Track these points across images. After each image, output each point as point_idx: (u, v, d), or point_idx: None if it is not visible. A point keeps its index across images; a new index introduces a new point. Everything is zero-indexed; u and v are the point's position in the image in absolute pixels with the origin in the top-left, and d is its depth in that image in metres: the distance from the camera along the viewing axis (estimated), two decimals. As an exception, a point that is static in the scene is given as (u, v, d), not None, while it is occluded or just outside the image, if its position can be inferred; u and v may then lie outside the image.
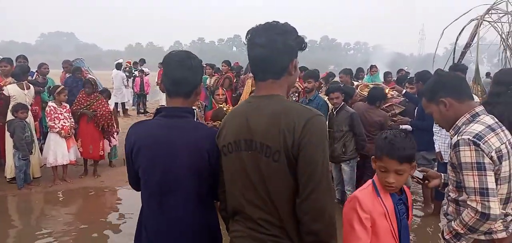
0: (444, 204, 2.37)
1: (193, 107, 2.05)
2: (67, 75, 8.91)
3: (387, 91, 6.11)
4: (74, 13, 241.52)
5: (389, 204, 2.03)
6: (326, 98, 5.82)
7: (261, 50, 1.64)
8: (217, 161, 1.80)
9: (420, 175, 2.41)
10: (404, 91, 6.10)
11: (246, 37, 1.70)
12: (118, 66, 14.17)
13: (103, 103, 6.88)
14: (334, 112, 5.43)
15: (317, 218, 1.55)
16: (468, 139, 1.97)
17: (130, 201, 5.96)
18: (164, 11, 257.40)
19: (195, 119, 2.03)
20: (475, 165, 1.96)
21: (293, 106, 1.65)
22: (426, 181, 2.36)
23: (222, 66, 9.78)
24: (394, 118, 5.95)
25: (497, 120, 2.11)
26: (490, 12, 6.20)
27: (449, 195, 2.21)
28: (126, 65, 15.23)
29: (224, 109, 5.00)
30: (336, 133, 5.35)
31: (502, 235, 2.07)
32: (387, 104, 6.00)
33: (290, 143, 1.55)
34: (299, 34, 1.70)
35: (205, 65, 10.20)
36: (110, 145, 7.21)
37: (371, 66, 10.50)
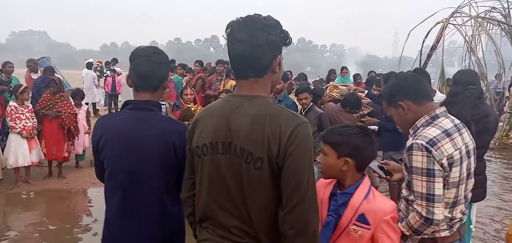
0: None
1: (163, 102, 2.08)
2: (32, 74, 8.63)
3: (351, 91, 6.20)
4: (47, 12, 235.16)
5: (327, 191, 1.98)
6: (295, 99, 5.85)
7: (241, 45, 1.50)
8: (185, 157, 1.76)
9: (376, 169, 2.37)
10: (366, 91, 6.20)
11: (225, 31, 1.56)
12: (89, 66, 13.85)
13: (68, 104, 6.68)
14: (303, 113, 5.46)
15: (302, 233, 1.46)
16: (422, 144, 1.97)
17: (95, 203, 5.83)
18: (140, 10, 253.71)
19: (163, 113, 2.03)
20: (425, 171, 1.96)
21: (279, 110, 1.52)
22: (388, 176, 2.33)
23: (195, 66, 9.67)
24: (362, 119, 6.04)
25: (457, 123, 2.12)
26: (454, 15, 6.36)
27: (401, 192, 2.23)
28: (97, 64, 14.91)
29: (192, 109, 4.94)
30: (305, 133, 5.36)
31: (445, 233, 2.11)
32: (355, 105, 6.08)
33: (275, 151, 1.44)
34: (283, 28, 1.56)
35: (177, 66, 10.08)
36: (73, 147, 6.99)
37: (342, 68, 10.70)
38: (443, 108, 2.14)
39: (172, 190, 1.92)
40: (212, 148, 1.56)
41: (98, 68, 14.60)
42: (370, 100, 6.21)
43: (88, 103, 12.35)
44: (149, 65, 1.89)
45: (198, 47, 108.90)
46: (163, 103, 2.11)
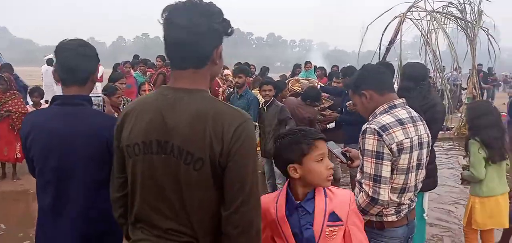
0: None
1: (101, 95, 2.08)
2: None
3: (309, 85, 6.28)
4: (8, 7, 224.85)
5: (280, 209, 1.83)
6: (257, 92, 5.85)
7: (181, 32, 1.38)
8: None
9: (339, 154, 2.46)
10: (320, 85, 6.31)
11: (162, 15, 1.42)
12: (49, 62, 13.30)
13: (19, 103, 6.37)
14: (265, 107, 5.46)
15: (246, 231, 1.42)
16: (374, 128, 2.09)
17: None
18: (106, 5, 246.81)
19: (97, 108, 1.98)
20: (375, 153, 2.09)
21: (221, 107, 1.44)
22: (349, 161, 2.46)
23: (157, 61, 9.47)
24: (323, 112, 6.09)
25: (414, 115, 2.24)
26: (411, 10, 6.53)
27: (356, 175, 2.34)
28: (58, 60, 14.36)
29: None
30: (267, 127, 5.38)
31: (392, 218, 2.21)
32: (316, 98, 6.15)
33: (218, 151, 1.36)
34: (225, 17, 1.46)
35: (139, 62, 9.83)
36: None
37: (306, 62, 10.81)
38: (403, 100, 2.27)
39: (105, 186, 1.85)
40: (145, 147, 1.43)
41: (58, 64, 14.06)
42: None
43: (48, 100, 11.91)
44: (75, 59, 1.85)
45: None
46: (99, 95, 2.07)
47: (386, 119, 2.13)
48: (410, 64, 3.71)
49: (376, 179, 2.09)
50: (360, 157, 2.22)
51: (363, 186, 2.13)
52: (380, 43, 6.78)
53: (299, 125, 5.69)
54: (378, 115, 2.20)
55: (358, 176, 2.26)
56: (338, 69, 10.37)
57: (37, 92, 6.84)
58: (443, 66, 10.17)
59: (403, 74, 3.49)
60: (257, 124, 5.39)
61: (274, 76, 9.20)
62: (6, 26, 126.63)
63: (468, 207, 3.64)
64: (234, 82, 6.26)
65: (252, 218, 1.44)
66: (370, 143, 2.10)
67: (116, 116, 2.04)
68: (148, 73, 9.16)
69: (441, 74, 6.96)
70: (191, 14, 1.38)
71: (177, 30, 1.39)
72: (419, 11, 6.51)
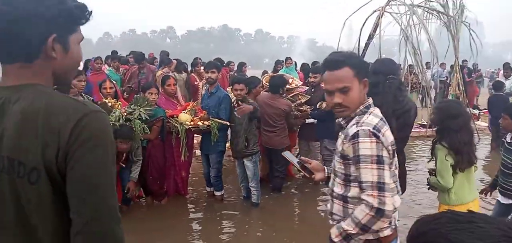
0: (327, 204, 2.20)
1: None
2: None
3: (290, 81, 6.07)
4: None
5: None
6: (229, 90, 5.62)
7: None
8: None
9: (295, 163, 2.31)
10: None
11: None
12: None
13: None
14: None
15: None
16: (369, 130, 1.88)
17: None
18: (92, 1, 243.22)
19: None
20: (375, 157, 1.86)
21: (58, 100, 1.16)
22: (311, 175, 2.24)
23: (129, 58, 9.11)
24: (300, 108, 5.88)
25: (382, 116, 2.08)
26: (391, 3, 6.32)
27: (333, 192, 2.07)
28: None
29: (109, 104, 4.51)
30: (238, 126, 5.16)
31: (388, 232, 1.97)
32: (292, 94, 5.97)
33: (53, 155, 1.10)
34: (72, 1, 1.18)
35: (112, 57, 9.44)
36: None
37: (286, 58, 10.58)
38: (371, 100, 2.06)
39: None
40: None
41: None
42: (307, 88, 6.13)
43: None
44: None
45: (154, 39, 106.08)
46: None
47: (372, 119, 1.94)
48: (379, 60, 3.53)
49: (381, 186, 1.83)
50: (338, 168, 1.99)
51: (365, 197, 1.85)
52: (359, 38, 6.55)
53: (274, 119, 5.45)
54: (357, 117, 1.97)
55: (338, 190, 2.02)
56: (318, 65, 10.20)
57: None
58: (428, 62, 10.02)
59: (372, 70, 3.28)
60: (228, 123, 5.13)
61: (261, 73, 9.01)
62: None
63: None
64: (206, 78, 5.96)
65: (107, 237, 1.14)
66: (367, 146, 1.86)
67: None
68: (121, 69, 8.78)
69: (422, 71, 6.77)
70: None
71: None
72: (399, 4, 6.30)
